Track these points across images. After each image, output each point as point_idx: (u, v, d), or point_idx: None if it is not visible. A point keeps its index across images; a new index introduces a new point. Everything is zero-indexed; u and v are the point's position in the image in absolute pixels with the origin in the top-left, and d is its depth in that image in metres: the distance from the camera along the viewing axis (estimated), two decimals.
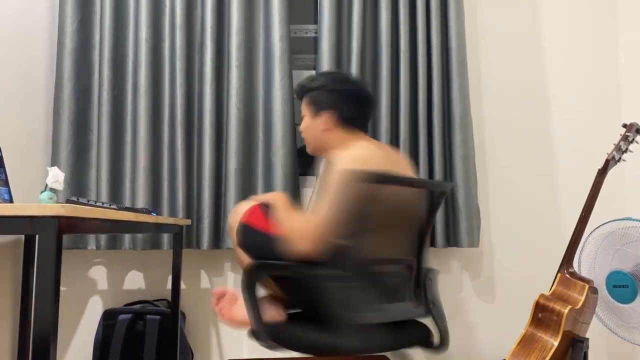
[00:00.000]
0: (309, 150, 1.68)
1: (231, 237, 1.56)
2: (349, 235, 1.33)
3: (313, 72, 2.23)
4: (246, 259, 1.48)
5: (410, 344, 1.46)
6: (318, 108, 1.61)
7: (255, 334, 1.40)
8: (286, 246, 1.37)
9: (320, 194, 1.43)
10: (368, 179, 1.30)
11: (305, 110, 1.65)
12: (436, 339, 1.50)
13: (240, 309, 1.49)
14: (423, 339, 1.49)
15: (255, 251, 1.45)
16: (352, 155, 1.43)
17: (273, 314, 1.46)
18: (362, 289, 1.38)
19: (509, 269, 2.28)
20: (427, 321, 1.53)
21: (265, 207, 1.51)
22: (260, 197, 1.57)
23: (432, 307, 1.51)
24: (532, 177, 2.33)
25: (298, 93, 1.68)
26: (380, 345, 1.39)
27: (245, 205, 1.55)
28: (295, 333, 1.38)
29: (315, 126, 1.61)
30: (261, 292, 1.53)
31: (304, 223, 1.36)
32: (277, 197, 1.49)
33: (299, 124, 2.22)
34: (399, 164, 1.52)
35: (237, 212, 1.54)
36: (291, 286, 1.47)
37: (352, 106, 1.60)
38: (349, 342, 1.31)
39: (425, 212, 1.54)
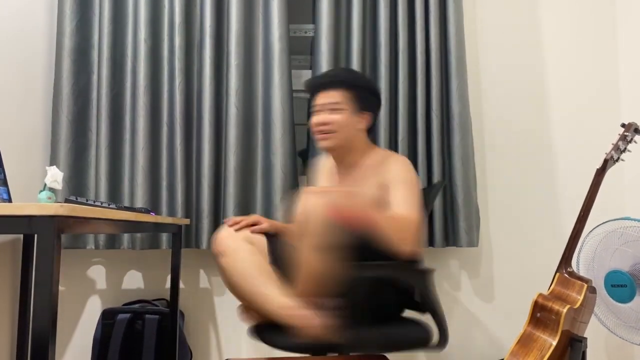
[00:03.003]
0: (329, 144, 1.55)
1: (306, 235, 1.29)
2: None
3: (309, 72, 2.23)
4: (326, 261, 1.29)
5: None
6: (363, 106, 1.57)
7: (341, 346, 1.29)
8: (391, 246, 1.35)
9: (388, 193, 1.47)
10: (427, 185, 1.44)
11: (345, 104, 1.55)
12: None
13: (316, 317, 1.29)
14: None
15: (361, 253, 1.34)
16: (407, 162, 1.54)
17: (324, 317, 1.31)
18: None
19: (507, 269, 2.29)
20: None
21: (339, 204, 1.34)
22: (321, 190, 1.32)
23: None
24: (531, 176, 2.33)
25: (336, 84, 1.55)
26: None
27: (314, 200, 1.30)
28: (392, 334, 1.38)
29: (354, 123, 1.56)
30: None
31: (405, 223, 1.37)
32: (350, 193, 1.32)
33: (298, 124, 2.22)
34: None
35: (316, 208, 1.29)
36: (376, 287, 1.40)
37: (378, 114, 1.66)
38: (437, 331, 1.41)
39: None
